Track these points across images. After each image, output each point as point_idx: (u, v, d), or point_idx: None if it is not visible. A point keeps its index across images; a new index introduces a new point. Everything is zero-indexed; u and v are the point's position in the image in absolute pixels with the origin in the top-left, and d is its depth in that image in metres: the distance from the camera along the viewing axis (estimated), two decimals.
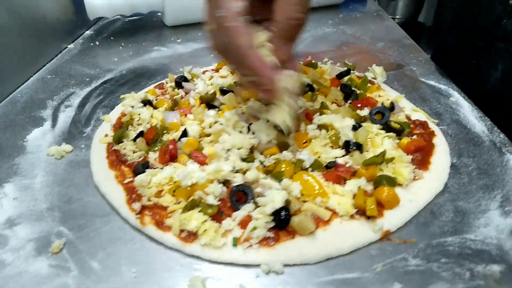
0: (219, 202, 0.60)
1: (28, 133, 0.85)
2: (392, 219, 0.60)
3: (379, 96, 0.93)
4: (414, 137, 0.76)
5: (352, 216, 0.60)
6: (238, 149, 0.70)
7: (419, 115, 0.86)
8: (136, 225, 0.60)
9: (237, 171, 0.66)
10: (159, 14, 1.53)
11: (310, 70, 0.98)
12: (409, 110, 0.87)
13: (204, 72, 1.02)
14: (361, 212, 0.60)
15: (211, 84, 0.94)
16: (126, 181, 0.67)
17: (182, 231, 0.57)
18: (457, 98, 0.96)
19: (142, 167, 0.69)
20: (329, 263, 0.55)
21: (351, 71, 0.99)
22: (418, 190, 0.65)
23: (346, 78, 0.96)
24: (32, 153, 0.79)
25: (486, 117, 0.87)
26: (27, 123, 0.89)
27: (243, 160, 0.69)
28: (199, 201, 0.60)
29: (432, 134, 0.78)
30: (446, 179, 0.69)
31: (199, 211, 0.58)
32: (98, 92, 1.02)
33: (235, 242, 0.56)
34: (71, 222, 0.62)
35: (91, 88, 1.04)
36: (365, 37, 1.36)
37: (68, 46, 1.31)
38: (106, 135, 0.80)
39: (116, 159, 0.73)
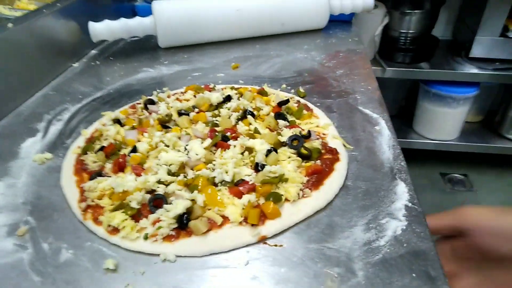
0: (140, 206, 0.79)
1: (23, 141, 1.08)
2: (270, 227, 0.77)
3: (310, 123, 1.09)
4: (318, 162, 0.92)
5: (240, 223, 0.77)
6: (170, 165, 0.89)
7: (337, 142, 1.01)
8: (80, 219, 0.81)
9: (162, 183, 0.85)
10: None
11: (257, 97, 1.16)
12: (330, 136, 1.03)
13: (169, 96, 1.22)
14: (247, 220, 0.77)
15: (171, 107, 1.14)
16: (82, 185, 0.88)
17: (109, 226, 0.77)
18: (382, 127, 1.10)
19: (96, 175, 0.90)
20: (212, 257, 0.73)
21: (301, 97, 1.18)
22: (302, 206, 0.81)
23: (284, 107, 1.13)
24: (22, 159, 1.02)
25: (398, 146, 1.02)
26: (24, 133, 1.12)
27: (172, 174, 0.88)
28: (126, 204, 0.79)
29: (336, 159, 0.93)
30: (331, 198, 0.84)
31: (122, 212, 0.77)
32: (85, 109, 1.24)
33: (146, 236, 0.75)
34: (36, 214, 0.84)
35: (81, 105, 1.27)
36: (330, 63, 1.51)
37: (73, 64, 1.55)
38: (79, 147, 1.02)
39: (80, 167, 0.94)
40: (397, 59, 2.85)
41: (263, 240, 0.76)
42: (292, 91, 1.30)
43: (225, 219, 0.78)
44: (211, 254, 0.73)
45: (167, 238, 0.75)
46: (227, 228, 0.77)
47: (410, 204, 0.82)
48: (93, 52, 1.68)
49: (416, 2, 2.70)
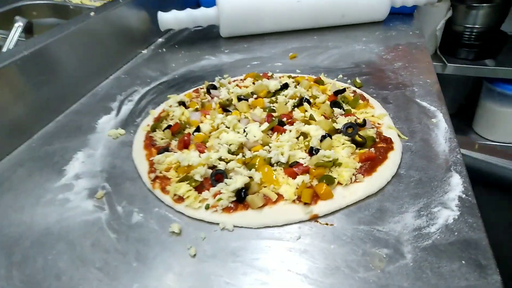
0: (202, 179, 0.87)
1: (99, 118, 1.21)
2: (322, 207, 0.81)
3: (365, 112, 1.11)
4: (372, 149, 0.95)
5: (294, 201, 0.82)
6: (230, 144, 0.96)
7: (391, 132, 1.03)
8: (150, 188, 0.90)
9: (223, 160, 0.92)
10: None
11: (313, 86, 1.20)
12: (385, 126, 1.05)
13: (230, 82, 1.30)
14: (301, 199, 0.82)
15: (232, 93, 1.21)
16: (151, 158, 0.97)
17: (175, 195, 0.85)
18: (439, 120, 1.09)
19: (164, 150, 0.99)
20: (266, 229, 0.79)
21: (357, 88, 1.20)
22: (354, 189, 0.84)
23: (340, 96, 1.16)
24: (99, 133, 1.14)
25: (455, 139, 1.01)
26: (100, 111, 1.25)
27: (232, 153, 0.95)
28: (191, 177, 0.87)
29: (390, 148, 0.95)
30: (383, 185, 0.86)
31: (187, 183, 0.85)
32: (153, 91, 1.35)
33: (207, 207, 0.82)
34: (112, 181, 0.94)
35: (149, 87, 1.38)
36: (388, 56, 1.50)
37: (142, 51, 1.68)
38: (148, 125, 1.12)
39: (149, 143, 1.04)
40: (460, 55, 2.72)
41: (314, 218, 0.80)
42: (349, 81, 1.32)
43: (280, 196, 0.83)
44: (265, 227, 0.79)
45: (226, 209, 0.82)
46: (281, 205, 0.82)
47: (464, 196, 0.82)
48: (160, 40, 1.80)
49: None
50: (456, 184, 0.86)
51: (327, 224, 0.79)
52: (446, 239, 0.73)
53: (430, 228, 0.75)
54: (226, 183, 0.84)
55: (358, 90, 1.23)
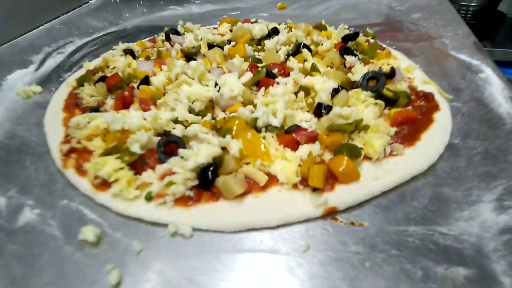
0: (143, 152, 0.53)
1: (10, 73, 0.85)
2: (343, 196, 0.48)
3: (388, 64, 0.79)
4: (409, 108, 0.62)
5: (295, 186, 0.49)
6: (193, 102, 0.62)
7: (429, 87, 0.71)
8: (59, 166, 0.55)
9: (180, 122, 0.57)
10: None
11: (314, 31, 0.87)
12: (418, 81, 0.73)
13: (199, 28, 0.95)
14: (307, 182, 0.49)
15: (201, 39, 0.86)
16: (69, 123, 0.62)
17: (96, 177, 0.51)
18: (489, 74, 0.79)
19: (91, 111, 0.64)
20: (250, 234, 0.46)
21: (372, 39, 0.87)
22: (392, 167, 0.52)
23: (352, 42, 0.83)
24: (3, 91, 0.79)
25: None
26: (14, 64, 0.89)
27: (196, 114, 0.60)
28: (124, 148, 0.53)
29: (434, 108, 0.64)
30: (435, 159, 0.55)
31: (117, 158, 0.51)
32: (94, 43, 1.00)
33: (149, 196, 0.48)
34: (3, 158, 0.60)
35: (90, 38, 1.02)
36: (402, 7, 1.19)
37: (90, 1, 1.31)
38: (75, 80, 0.76)
39: (71, 102, 0.69)
40: None
41: (331, 213, 0.47)
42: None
43: (272, 178, 0.50)
44: (248, 230, 0.46)
45: (182, 200, 0.48)
46: (275, 192, 0.49)
47: None
48: None
49: None
50: None
51: (353, 223, 0.47)
52: None
53: None
54: (182, 157, 0.50)
55: (372, 40, 0.91)
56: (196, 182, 0.49)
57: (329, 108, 0.59)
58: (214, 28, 0.99)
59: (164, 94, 0.69)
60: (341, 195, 0.49)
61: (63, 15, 1.18)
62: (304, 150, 0.52)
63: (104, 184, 0.51)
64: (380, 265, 0.42)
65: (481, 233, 0.45)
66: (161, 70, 0.76)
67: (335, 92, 0.63)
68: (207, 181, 0.49)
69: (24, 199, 0.51)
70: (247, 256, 0.43)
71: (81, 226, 0.46)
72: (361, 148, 0.53)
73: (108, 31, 1.07)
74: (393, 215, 0.48)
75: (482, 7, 2.45)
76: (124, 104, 0.65)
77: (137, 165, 0.52)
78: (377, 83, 0.66)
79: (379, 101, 0.62)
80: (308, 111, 0.64)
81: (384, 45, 0.89)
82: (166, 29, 0.94)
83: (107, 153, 0.52)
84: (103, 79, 0.71)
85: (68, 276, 0.42)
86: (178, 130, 0.56)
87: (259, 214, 0.47)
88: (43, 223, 0.48)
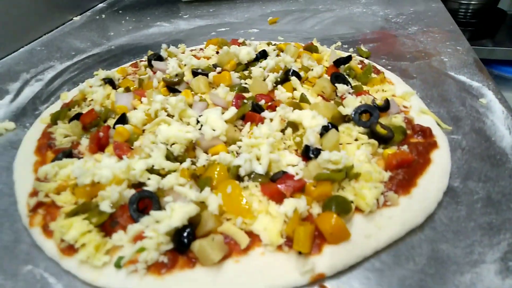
0: (114, 210, 0.48)
1: None
2: (332, 259, 0.44)
3: (383, 90, 0.74)
4: (405, 147, 0.58)
5: (279, 248, 0.45)
6: (172, 144, 0.57)
7: (426, 118, 0.66)
8: (25, 223, 0.51)
9: (156, 172, 0.53)
10: None
11: (303, 54, 0.82)
12: (415, 110, 0.68)
13: (184, 51, 0.90)
14: (292, 242, 0.45)
15: (185, 65, 0.82)
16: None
17: (62, 240, 0.46)
18: (490, 99, 0.74)
19: (64, 155, 0.59)
20: None
21: (366, 59, 0.82)
22: (385, 221, 0.48)
23: (344, 66, 0.78)
24: None
25: None
26: None
27: (175, 158, 0.56)
28: (93, 205, 0.48)
29: (432, 145, 0.59)
30: (433, 209, 0.50)
31: (85, 218, 0.46)
32: (75, 67, 0.95)
33: (118, 263, 0.44)
34: None
35: (71, 62, 0.98)
36: (398, 19, 1.14)
37: (74, 18, 1.26)
38: (50, 114, 0.72)
39: (45, 143, 0.65)
40: None
41: (319, 280, 0.43)
42: (351, 50, 0.94)
43: (254, 238, 0.46)
44: None
45: (155, 267, 0.44)
46: (257, 255, 0.45)
47: None
48: (100, 5, 1.39)
49: None
50: None
51: None
52: None
53: None
54: (155, 218, 0.45)
55: (366, 61, 0.86)
56: (170, 246, 0.45)
57: (317, 151, 0.54)
58: (201, 49, 0.94)
59: (143, 131, 0.65)
60: (329, 259, 0.44)
61: (44, 35, 1.13)
62: (289, 205, 0.47)
63: (71, 248, 0.46)
64: None
65: None
66: (141, 102, 0.71)
67: (324, 130, 0.59)
68: (182, 246, 0.44)
69: None
70: None
71: None
72: (351, 202, 0.48)
73: (91, 53, 1.02)
74: (386, 282, 0.43)
75: (483, 5, 2.44)
76: (99, 146, 0.61)
77: (107, 225, 0.48)
78: (370, 117, 0.62)
79: (371, 141, 0.58)
80: (297, 150, 0.59)
81: (379, 67, 0.85)
82: (149, 52, 0.89)
83: (74, 212, 0.48)
84: (78, 116, 0.67)
85: None
86: (153, 181, 0.51)
87: (240, 283, 0.42)
88: None
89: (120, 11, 1.31)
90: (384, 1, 1.30)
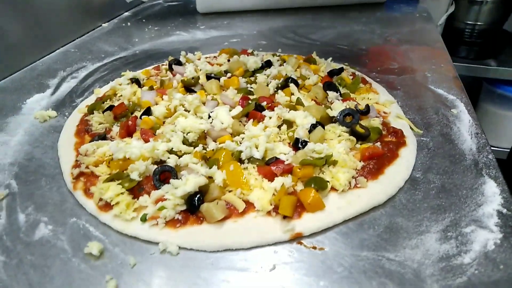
0: (141, 179, 0.61)
1: (30, 97, 0.95)
2: (308, 223, 0.57)
3: (368, 98, 0.87)
4: (378, 144, 0.70)
5: (269, 213, 0.58)
6: (187, 133, 0.71)
7: (402, 123, 0.79)
8: (69, 188, 0.64)
9: (175, 153, 0.66)
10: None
11: (303, 65, 0.96)
12: (393, 115, 0.81)
13: (199, 58, 1.04)
14: (278, 210, 0.57)
15: (200, 70, 0.96)
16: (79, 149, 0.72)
17: (101, 199, 0.60)
18: (461, 110, 0.86)
19: (99, 138, 0.73)
20: (226, 254, 0.54)
21: (357, 70, 0.95)
22: (354, 198, 0.60)
23: (337, 77, 0.91)
24: (23, 115, 0.88)
25: (483, 135, 0.78)
26: (33, 88, 0.99)
27: (189, 144, 0.69)
28: (125, 175, 0.62)
29: (402, 144, 0.71)
30: (393, 192, 0.63)
31: (118, 184, 0.60)
32: (105, 68, 1.09)
33: (144, 218, 0.57)
34: (22, 178, 0.69)
35: (101, 63, 1.12)
36: (392, 38, 1.27)
37: (103, 25, 1.42)
38: (86, 106, 0.86)
39: (82, 128, 0.78)
40: (460, 53, 2.51)
41: (297, 238, 0.56)
42: (346, 63, 1.07)
43: (250, 205, 0.59)
44: (225, 250, 0.55)
45: (171, 223, 0.57)
46: (251, 218, 0.58)
47: (505, 211, 0.59)
48: (126, 14, 1.54)
49: None
50: (492, 194, 0.63)
51: (315, 247, 0.55)
52: (488, 275, 0.50)
53: (462, 258, 0.52)
54: (173, 185, 0.59)
55: (358, 73, 0.99)
56: (184, 207, 0.58)
57: (305, 143, 0.67)
58: (214, 57, 1.08)
59: (163, 122, 0.78)
60: (307, 223, 0.57)
61: (77, 38, 1.28)
62: (278, 182, 0.60)
63: (107, 206, 0.60)
64: (335, 283, 0.50)
65: (422, 260, 0.53)
66: (162, 99, 0.85)
67: (313, 127, 0.72)
68: (193, 207, 0.57)
69: (40, 216, 0.61)
70: (223, 272, 0.52)
71: (86, 241, 0.55)
72: (328, 181, 0.61)
73: (118, 56, 1.16)
74: (350, 242, 0.56)
75: (488, 26, 2.50)
76: (128, 132, 0.75)
77: (136, 190, 0.61)
78: (352, 119, 0.75)
79: (351, 137, 0.71)
80: (290, 143, 0.72)
81: (367, 78, 0.97)
82: (170, 57, 1.04)
83: (110, 179, 0.61)
84: (110, 108, 0.81)
85: (75, 284, 0.50)
86: (172, 160, 0.65)
87: (236, 237, 0.55)
88: (55, 238, 0.57)
89: (144, 20, 1.46)
90: (382, 21, 1.43)
